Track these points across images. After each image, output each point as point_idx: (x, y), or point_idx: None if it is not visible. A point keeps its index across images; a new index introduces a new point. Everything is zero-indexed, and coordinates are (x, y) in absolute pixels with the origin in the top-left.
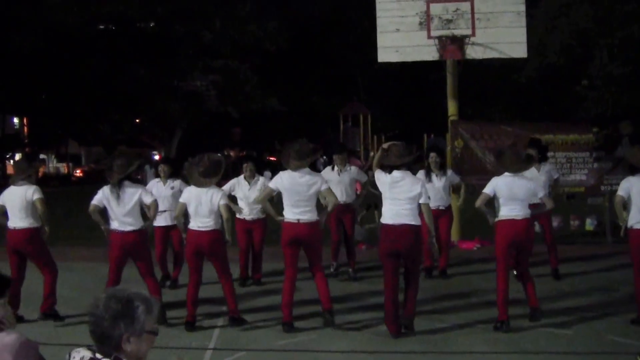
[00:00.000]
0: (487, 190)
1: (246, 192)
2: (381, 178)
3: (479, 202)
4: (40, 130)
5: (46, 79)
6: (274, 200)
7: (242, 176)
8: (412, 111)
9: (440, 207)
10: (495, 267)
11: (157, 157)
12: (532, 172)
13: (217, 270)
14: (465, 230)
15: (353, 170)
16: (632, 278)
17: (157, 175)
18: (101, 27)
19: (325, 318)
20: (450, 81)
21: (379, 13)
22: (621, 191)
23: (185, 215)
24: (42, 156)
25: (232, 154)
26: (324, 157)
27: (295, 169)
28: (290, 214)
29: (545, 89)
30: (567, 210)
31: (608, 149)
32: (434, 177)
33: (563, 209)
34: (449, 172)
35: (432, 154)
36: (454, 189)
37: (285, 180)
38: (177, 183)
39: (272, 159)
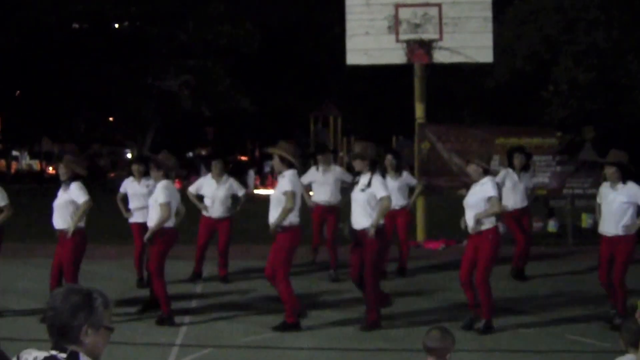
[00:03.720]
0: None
1: (214, 190)
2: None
3: None
4: (14, 127)
5: (20, 76)
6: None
7: (209, 175)
8: (382, 113)
9: (395, 207)
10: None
11: (129, 156)
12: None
13: None
14: (433, 230)
15: (337, 170)
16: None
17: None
18: (75, 25)
19: None
20: (418, 84)
21: (348, 16)
22: (597, 196)
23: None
24: (15, 153)
25: (204, 152)
26: None
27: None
28: None
29: (512, 93)
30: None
31: (571, 153)
32: (388, 178)
33: None
34: (405, 173)
35: (389, 156)
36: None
37: None
38: (151, 181)
39: (243, 158)
